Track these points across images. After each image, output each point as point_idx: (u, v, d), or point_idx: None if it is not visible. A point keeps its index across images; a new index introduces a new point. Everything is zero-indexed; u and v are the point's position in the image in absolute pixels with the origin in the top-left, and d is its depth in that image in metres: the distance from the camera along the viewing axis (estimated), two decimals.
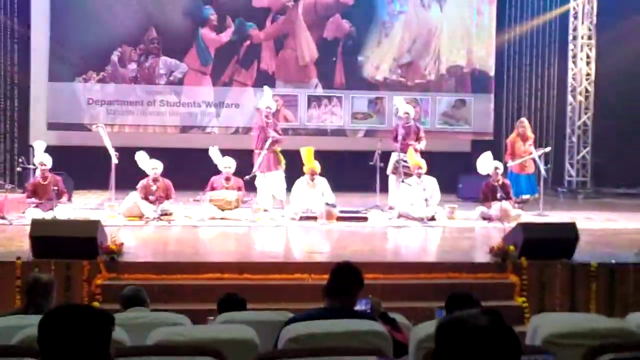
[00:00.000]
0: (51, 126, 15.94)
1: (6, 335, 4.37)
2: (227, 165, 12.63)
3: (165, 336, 4.09)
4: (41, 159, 12.06)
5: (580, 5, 17.31)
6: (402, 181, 12.74)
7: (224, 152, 13.01)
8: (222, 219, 12.10)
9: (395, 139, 13.54)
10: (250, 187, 12.83)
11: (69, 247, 8.54)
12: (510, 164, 13.88)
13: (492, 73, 16.97)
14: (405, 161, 13.09)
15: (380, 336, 4.27)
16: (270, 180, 12.94)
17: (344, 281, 4.86)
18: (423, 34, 16.88)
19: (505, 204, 12.29)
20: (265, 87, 13.96)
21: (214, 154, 12.80)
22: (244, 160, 13.11)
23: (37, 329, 2.77)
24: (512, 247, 8.89)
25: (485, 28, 16.93)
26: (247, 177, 12.62)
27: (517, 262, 8.77)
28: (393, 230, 11.83)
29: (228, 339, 4.13)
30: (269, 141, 12.91)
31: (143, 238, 10.81)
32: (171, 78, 16.28)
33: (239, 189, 12.55)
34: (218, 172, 12.73)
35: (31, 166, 12.97)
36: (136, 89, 16.22)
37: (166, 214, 11.99)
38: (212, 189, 12.52)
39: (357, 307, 4.80)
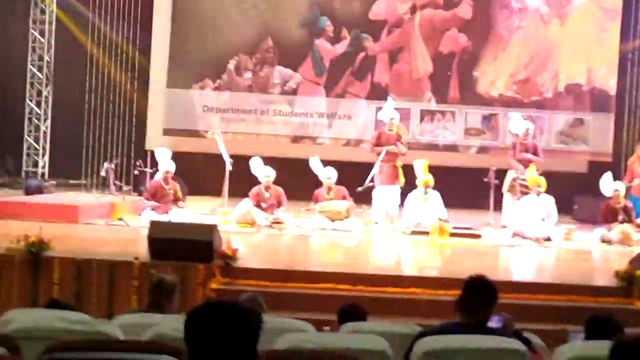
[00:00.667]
0: (167, 132, 16.22)
1: (134, 332, 4.37)
2: (327, 176, 12.55)
3: (294, 342, 4.01)
4: (167, 167, 12.29)
5: None
6: (519, 199, 12.43)
7: (334, 163, 12.94)
8: (332, 229, 12.03)
9: (513, 156, 13.25)
10: (362, 198, 12.70)
11: (186, 249, 8.59)
12: (626, 184, 13.37)
13: (613, 92, 16.43)
14: (522, 179, 12.77)
15: (518, 355, 4.09)
16: (386, 194, 12.76)
17: (478, 295, 4.67)
18: (541, 49, 16.51)
19: (627, 227, 11.86)
20: (389, 98, 13.84)
21: (315, 164, 12.74)
22: (355, 172, 13.01)
23: (185, 325, 2.72)
24: (639, 272, 8.52)
25: (608, 46, 16.41)
26: (359, 188, 12.51)
27: None
28: (507, 248, 11.54)
29: (361, 348, 4.02)
30: (383, 153, 12.77)
31: (254, 245, 10.84)
32: (285, 88, 16.37)
33: (343, 197, 12.43)
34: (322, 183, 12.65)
35: (148, 170, 13.20)
36: (250, 97, 16.37)
37: (277, 222, 12.01)
38: (316, 201, 12.46)
39: (489, 324, 4.61)
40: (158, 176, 12.46)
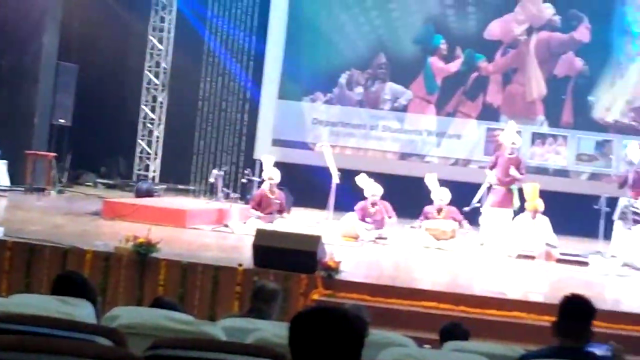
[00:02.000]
0: (276, 142, 16.42)
1: (236, 336, 4.41)
2: (440, 197, 12.48)
3: (397, 356, 3.98)
4: (270, 174, 12.42)
5: None
6: (630, 229, 12.06)
7: (442, 182, 12.86)
8: (437, 248, 11.94)
9: (624, 184, 12.88)
10: (469, 218, 12.56)
11: (289, 259, 8.66)
12: None
13: None
14: (634, 207, 12.40)
15: None
16: (497, 216, 12.57)
17: (575, 316, 4.50)
18: None
19: None
20: (510, 122, 13.59)
21: (431, 181, 12.67)
22: (462, 192, 12.88)
23: (290, 330, 2.72)
24: None
25: None
26: (466, 208, 12.38)
27: None
28: (616, 278, 11.20)
29: None
30: (489, 178, 12.61)
31: (357, 259, 10.82)
32: (395, 104, 16.37)
33: (454, 219, 12.35)
34: (432, 201, 12.60)
35: (256, 179, 13.38)
36: (360, 112, 16.44)
37: (381, 238, 12.01)
38: (425, 218, 12.42)
39: (597, 351, 4.47)
40: (264, 185, 12.60)
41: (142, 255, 8.80)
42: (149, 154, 17.28)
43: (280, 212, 12.37)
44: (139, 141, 17.27)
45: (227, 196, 13.20)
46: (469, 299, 8.53)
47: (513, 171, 12.52)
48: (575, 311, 4.49)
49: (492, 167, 12.83)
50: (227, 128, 16.81)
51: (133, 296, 8.68)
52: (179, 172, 16.92)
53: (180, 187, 16.72)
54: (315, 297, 8.47)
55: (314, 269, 8.67)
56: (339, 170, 13.34)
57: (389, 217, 12.29)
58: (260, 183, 13.10)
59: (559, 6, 16.16)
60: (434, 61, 16.30)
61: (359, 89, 16.43)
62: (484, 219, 12.57)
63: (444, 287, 9.18)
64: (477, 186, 12.79)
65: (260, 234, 9.23)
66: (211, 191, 15.10)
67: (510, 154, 12.75)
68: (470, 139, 16.19)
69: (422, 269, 10.83)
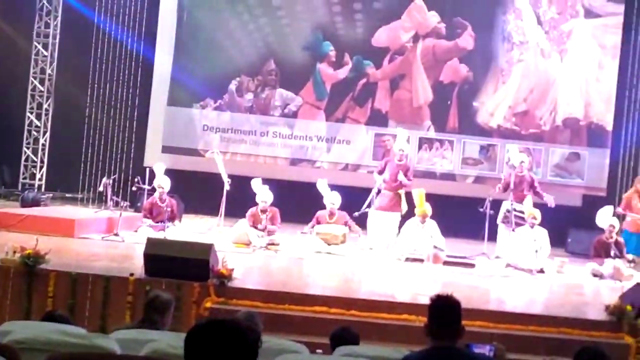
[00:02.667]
0: (166, 149, 16.32)
1: (131, 347, 4.42)
2: (332, 201, 12.65)
3: None
4: (160, 182, 12.34)
5: None
6: (513, 230, 12.50)
7: (332, 187, 13.03)
8: (327, 253, 12.10)
9: (507, 187, 13.34)
10: (359, 223, 12.75)
11: (181, 267, 8.66)
12: (624, 222, 13.43)
13: (609, 127, 16.58)
14: (517, 210, 12.86)
15: None
16: (385, 220, 12.86)
17: (443, 316, 4.60)
18: (541, 83, 16.66)
19: (618, 262, 11.94)
20: (400, 129, 13.93)
21: (322, 187, 12.83)
22: (352, 196, 13.09)
23: (185, 343, 2.77)
24: (629, 307, 8.59)
25: (606, 82, 16.59)
26: (356, 213, 12.59)
27: (634, 322, 8.46)
28: (500, 279, 11.59)
29: None
30: (378, 183, 12.89)
31: (250, 266, 10.86)
32: (286, 110, 16.49)
33: (345, 224, 12.53)
34: (324, 206, 12.75)
35: (146, 187, 13.27)
36: (251, 118, 16.50)
37: (273, 244, 12.08)
38: (317, 223, 12.56)
39: (480, 351, 4.65)
40: (155, 194, 12.53)
41: (30, 266, 8.65)
42: (34, 162, 16.91)
43: (171, 219, 12.31)
44: (25, 149, 16.89)
45: (116, 205, 13.05)
46: (359, 303, 8.70)
47: (401, 177, 12.83)
48: (443, 311, 4.64)
49: (380, 172, 13.12)
50: (116, 135, 16.60)
51: (21, 308, 8.53)
52: (66, 181, 16.62)
53: (68, 195, 16.42)
54: (208, 305, 8.49)
55: (206, 277, 8.68)
56: (231, 176, 13.38)
57: (276, 226, 12.36)
58: (151, 191, 13.01)
59: (444, 14, 16.59)
60: (323, 68, 16.50)
61: (249, 96, 16.49)
62: (372, 223, 12.82)
63: (334, 292, 9.32)
64: (367, 190, 13.01)
65: (151, 242, 9.19)
66: (100, 200, 14.90)
67: (399, 161, 13.06)
68: (359, 144, 16.46)
69: (313, 274, 10.94)
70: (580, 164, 16.63)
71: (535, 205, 13.00)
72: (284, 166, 16.55)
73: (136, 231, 12.12)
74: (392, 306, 8.71)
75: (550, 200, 13.07)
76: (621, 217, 13.52)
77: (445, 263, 11.94)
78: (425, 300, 9.26)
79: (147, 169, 13.78)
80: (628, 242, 12.95)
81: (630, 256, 13.02)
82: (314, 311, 8.55)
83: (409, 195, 12.84)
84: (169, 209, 12.08)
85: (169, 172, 13.02)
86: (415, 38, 16.55)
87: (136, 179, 13.41)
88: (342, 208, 12.80)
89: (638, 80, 16.82)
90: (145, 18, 16.55)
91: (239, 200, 12.93)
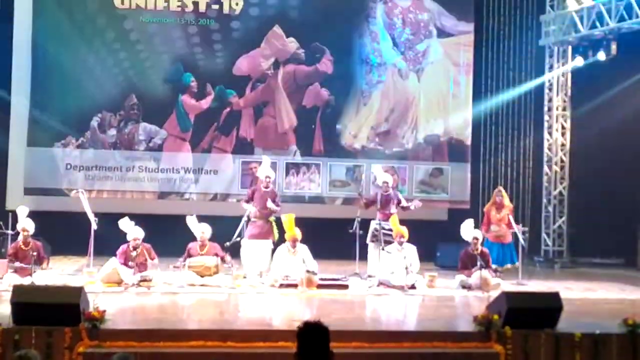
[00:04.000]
0: (28, 191, 15.88)
1: None
2: (201, 230, 12.59)
3: None
4: (23, 225, 12.00)
5: (555, 77, 17.65)
6: (382, 249, 12.75)
7: (203, 218, 12.97)
8: (201, 285, 12.03)
9: (371, 204, 13.66)
10: (232, 253, 12.74)
11: (51, 313, 8.43)
12: (485, 233, 13.92)
13: (468, 142, 17.18)
14: (385, 229, 13.14)
15: None
16: (257, 248, 12.91)
17: (312, 342, 4.75)
18: (401, 103, 17.11)
19: (485, 272, 12.35)
20: (264, 157, 14.06)
21: (192, 223, 12.76)
22: (223, 226, 13.07)
23: None
24: (496, 316, 8.89)
25: (462, 98, 17.21)
26: (227, 243, 12.57)
27: (501, 331, 8.77)
28: (373, 298, 11.80)
29: None
30: (248, 211, 12.95)
31: (123, 305, 10.69)
32: (150, 144, 16.33)
33: (216, 254, 12.49)
34: (195, 238, 12.67)
35: (9, 231, 12.87)
36: (115, 154, 16.26)
37: (145, 280, 11.91)
38: (189, 255, 12.48)
39: None
40: (19, 238, 12.15)
41: None
42: None
43: (38, 263, 11.96)
44: None
45: None
46: (235, 334, 8.67)
47: (270, 204, 12.93)
48: (311, 338, 4.77)
49: (247, 201, 13.19)
50: None
51: None
52: None
53: None
54: (82, 349, 8.30)
55: (77, 321, 8.49)
56: (99, 214, 13.14)
57: (152, 259, 12.23)
58: (15, 236, 12.62)
59: (302, 40, 16.82)
60: (186, 99, 16.44)
61: (112, 131, 16.25)
62: (245, 252, 12.85)
63: (210, 325, 9.29)
64: (237, 219, 13.04)
65: (18, 290, 8.92)
66: None
67: (265, 187, 13.15)
68: (227, 173, 16.48)
69: (188, 308, 10.87)
70: (444, 179, 17.15)
71: (403, 222, 13.32)
72: (152, 200, 16.38)
73: (1, 278, 11.73)
74: (268, 334, 8.73)
75: (416, 204, 13.50)
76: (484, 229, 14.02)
77: (319, 286, 12.07)
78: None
79: (10, 213, 13.37)
80: (491, 252, 13.43)
81: (494, 267, 13.51)
82: (190, 346, 8.48)
83: (279, 222, 12.93)
84: (34, 253, 11.75)
85: (33, 214, 12.67)
86: (276, 65, 16.72)
87: None
88: (214, 238, 12.75)
89: (492, 96, 17.51)
90: None
91: (109, 238, 12.70)
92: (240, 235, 12.75)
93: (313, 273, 12.20)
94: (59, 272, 12.90)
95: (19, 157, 16.05)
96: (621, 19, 15.45)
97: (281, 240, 12.92)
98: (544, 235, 17.60)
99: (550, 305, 9.19)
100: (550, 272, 16.07)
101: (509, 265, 13.99)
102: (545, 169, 17.73)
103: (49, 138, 16.03)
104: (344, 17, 16.92)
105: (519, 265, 13.93)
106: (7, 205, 15.54)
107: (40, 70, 15.99)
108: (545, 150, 17.73)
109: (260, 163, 15.27)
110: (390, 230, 13.05)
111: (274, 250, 12.81)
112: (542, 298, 9.68)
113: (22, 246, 11.94)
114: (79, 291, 8.86)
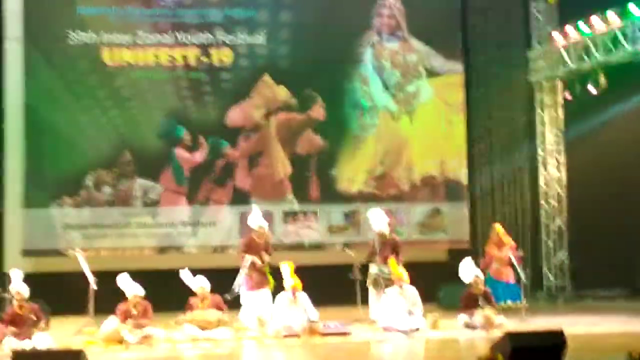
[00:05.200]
0: (26, 253, 15.82)
1: None
2: (201, 285, 12.52)
3: None
4: (18, 289, 11.89)
5: (547, 112, 17.71)
6: (384, 293, 12.67)
7: (202, 271, 12.89)
8: (204, 339, 11.93)
9: (373, 252, 13.61)
10: (232, 304, 12.66)
11: None
12: (486, 276, 13.83)
13: (465, 181, 17.21)
14: (385, 272, 13.09)
15: None
16: (256, 299, 12.85)
17: None
18: (394, 145, 17.18)
19: (488, 312, 12.27)
20: (254, 206, 14.01)
21: (186, 276, 12.68)
22: (223, 278, 13.00)
23: None
24: (500, 357, 8.79)
25: (456, 137, 17.29)
26: (227, 295, 12.50)
27: None
28: (377, 343, 11.70)
29: None
30: (247, 261, 12.91)
31: None
32: (146, 199, 16.32)
33: (218, 307, 12.40)
34: (195, 293, 12.58)
35: (7, 295, 12.76)
36: (112, 212, 16.23)
37: (147, 337, 11.80)
38: (190, 310, 12.37)
39: None
40: (14, 302, 12.02)
41: None
42: None
43: (36, 326, 11.82)
44: None
45: None
46: None
47: (265, 256, 12.92)
48: None
49: (245, 252, 13.14)
50: None
51: None
52: None
53: None
54: None
55: None
56: (97, 273, 13.07)
57: (148, 319, 12.09)
58: (12, 300, 12.48)
59: (293, 87, 16.93)
60: (180, 152, 16.48)
61: (108, 189, 16.24)
62: (245, 304, 12.78)
63: None
64: (236, 270, 12.98)
65: (18, 355, 8.82)
66: None
67: (259, 238, 13.15)
68: (224, 225, 16.47)
69: None
70: (442, 219, 17.15)
71: (402, 264, 13.28)
72: (151, 256, 16.32)
73: (1, 342, 11.61)
74: None
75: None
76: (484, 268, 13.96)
77: (322, 335, 11.97)
78: None
79: (7, 277, 13.27)
80: (494, 290, 13.35)
81: (501, 304, 13.45)
82: None
83: (277, 271, 12.87)
84: (32, 316, 11.64)
85: (32, 276, 12.56)
86: (268, 114, 16.80)
87: None
88: (215, 290, 12.67)
89: (485, 133, 17.57)
90: None
91: (109, 296, 12.60)
92: (240, 286, 12.65)
93: (315, 322, 12.11)
94: (59, 334, 12.76)
95: (16, 218, 16.01)
96: (609, 52, 15.55)
97: (278, 288, 12.85)
98: (545, 270, 17.53)
99: (554, 342, 9.09)
100: (554, 307, 15.98)
101: (518, 303, 13.86)
102: (543, 203, 17.71)
103: (44, 199, 16.01)
104: (333, 63, 17.05)
105: (524, 304, 13.80)
106: (5, 268, 15.44)
107: (34, 131, 16.03)
108: (542, 185, 17.73)
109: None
110: (390, 273, 12.98)
111: (273, 298, 12.74)
112: (545, 336, 9.55)
113: (18, 311, 11.81)
114: (78, 354, 8.75)
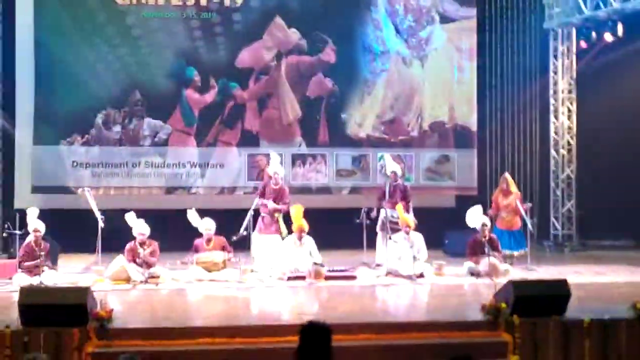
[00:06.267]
0: (36, 190, 15.91)
1: None
2: (207, 227, 12.58)
3: None
4: (35, 225, 11.99)
5: (560, 60, 17.55)
6: (389, 238, 12.73)
7: (210, 212, 12.97)
8: (210, 280, 12.04)
9: (382, 196, 13.64)
10: (239, 247, 12.73)
11: (59, 314, 8.44)
12: (493, 220, 13.87)
13: (474, 128, 17.15)
14: (393, 217, 13.13)
15: None
16: (266, 242, 12.91)
17: (314, 341, 4.87)
18: (405, 90, 17.06)
19: (493, 259, 12.33)
20: (272, 153, 14.00)
21: (192, 216, 12.75)
22: (230, 219, 13.07)
23: None
24: (504, 305, 8.86)
25: (467, 84, 17.17)
26: (234, 237, 12.56)
27: (509, 319, 8.74)
28: (382, 288, 11.79)
29: None
30: (255, 203, 12.95)
31: (131, 302, 10.72)
32: (156, 139, 16.32)
33: (223, 248, 12.48)
34: (201, 234, 12.66)
35: (17, 232, 12.87)
36: (121, 151, 16.26)
37: (153, 277, 11.92)
38: (196, 251, 12.47)
39: None
40: (29, 238, 12.13)
41: None
42: None
43: (47, 262, 11.96)
44: None
45: None
46: (244, 330, 8.67)
47: (271, 204, 12.94)
48: (313, 336, 4.82)
49: (260, 195, 13.18)
50: None
51: None
52: None
53: None
54: (90, 349, 8.30)
55: (85, 321, 8.50)
56: (105, 211, 13.16)
57: (154, 258, 12.19)
58: (23, 235, 12.60)
59: (304, 30, 16.78)
60: (189, 93, 16.42)
61: (117, 128, 16.24)
62: (254, 246, 12.85)
63: (219, 321, 9.26)
64: (244, 212, 13.02)
65: (25, 291, 8.94)
66: None
67: (275, 185, 13.17)
68: (233, 167, 16.47)
69: (196, 304, 10.88)
70: (450, 166, 17.12)
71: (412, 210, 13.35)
72: (159, 196, 16.38)
73: (10, 279, 11.76)
74: (277, 329, 8.71)
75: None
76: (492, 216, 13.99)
77: (327, 278, 12.06)
78: (310, 319, 9.38)
79: (17, 213, 13.37)
80: (500, 238, 13.38)
81: (507, 252, 13.50)
82: (199, 344, 8.48)
83: (287, 217, 12.93)
84: (43, 253, 11.76)
85: (41, 213, 12.65)
86: (278, 56, 16.68)
87: (6, 225, 13.02)
88: (222, 232, 12.75)
89: (496, 80, 17.44)
90: (2, 57, 16.09)
91: (117, 235, 12.71)
92: (247, 228, 12.72)
93: (320, 265, 12.20)
94: (67, 271, 12.90)
95: (26, 156, 16.05)
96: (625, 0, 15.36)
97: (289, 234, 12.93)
98: (552, 219, 17.53)
99: (558, 292, 9.15)
100: (560, 256, 16.01)
101: (522, 251, 13.91)
102: (553, 152, 17.65)
103: (54, 136, 16.03)
104: (345, 6, 16.88)
105: (528, 252, 13.86)
106: (15, 205, 15.54)
107: (44, 69, 15.98)
108: (552, 133, 17.65)
109: (266, 156, 15.33)
110: (397, 219, 13.03)
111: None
112: (549, 285, 9.61)
113: (34, 246, 11.92)
114: (85, 291, 8.86)
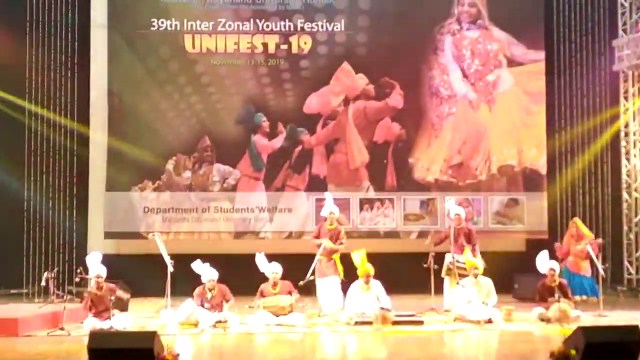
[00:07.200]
0: (108, 235, 16.23)
1: None
2: (274, 271, 12.65)
3: None
4: (97, 271, 12.21)
5: (631, 101, 17.32)
6: (457, 283, 12.62)
7: (278, 256, 13.05)
8: (277, 325, 12.06)
9: (444, 239, 13.59)
10: (305, 292, 12.76)
11: (127, 359, 8.55)
12: (563, 268, 13.65)
13: (543, 171, 16.97)
14: (459, 262, 13.03)
15: None
16: (327, 286, 12.94)
17: None
18: (472, 134, 17.01)
19: (564, 304, 12.10)
20: (327, 194, 14.12)
21: (261, 260, 12.84)
22: (298, 264, 13.13)
23: None
24: (573, 352, 8.68)
25: (535, 127, 17.04)
26: (301, 282, 12.62)
27: None
28: (450, 334, 11.65)
29: None
30: (321, 248, 13.03)
31: (199, 347, 10.80)
32: (225, 185, 16.55)
33: (289, 292, 12.52)
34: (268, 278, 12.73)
35: (89, 276, 13.10)
36: (191, 196, 16.51)
37: (221, 322, 12.01)
38: (262, 296, 12.53)
39: None
40: (92, 283, 12.35)
41: None
42: None
43: (115, 306, 12.12)
44: None
45: (60, 297, 12.86)
46: None
47: (328, 243, 12.97)
48: None
49: (316, 237, 13.30)
50: (57, 226, 16.45)
51: None
52: (10, 276, 16.33)
53: (12, 291, 16.15)
54: None
55: None
56: (175, 256, 13.31)
57: (227, 301, 12.31)
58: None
59: (372, 76, 16.90)
60: (258, 139, 16.64)
61: (187, 173, 16.53)
62: (319, 290, 12.87)
63: None
64: (312, 257, 13.10)
65: (94, 336, 9.08)
66: (45, 293, 14.69)
67: (330, 225, 13.23)
68: (300, 211, 16.58)
69: (264, 348, 10.90)
70: (520, 209, 16.93)
71: (480, 253, 13.22)
72: (228, 240, 16.55)
73: (82, 323, 11.96)
74: None
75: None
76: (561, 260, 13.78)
77: (394, 323, 11.98)
78: None
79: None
80: (571, 283, 13.15)
81: (578, 297, 13.25)
82: None
83: (346, 257, 12.94)
84: (112, 298, 11.93)
85: (113, 257, 12.93)
86: (346, 101, 16.83)
87: (78, 270, 13.27)
88: (290, 276, 12.80)
89: (566, 123, 17.27)
90: (77, 106, 16.57)
91: (186, 280, 12.85)
92: (313, 273, 12.75)
93: (387, 310, 12.13)
94: (137, 315, 13.07)
95: (99, 202, 16.43)
96: None
97: (348, 276, 12.91)
98: (626, 263, 17.17)
99: (630, 338, 8.92)
100: (635, 301, 15.63)
101: (594, 298, 13.63)
102: (625, 195, 17.34)
103: (126, 182, 16.38)
104: (412, 51, 16.95)
105: (600, 298, 13.57)
106: (88, 250, 15.82)
107: (116, 118, 16.41)
108: (624, 176, 17.36)
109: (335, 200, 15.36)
110: (464, 263, 12.92)
111: (346, 286, 12.79)
112: (621, 331, 9.38)
113: (97, 292, 12.12)
114: (152, 335, 8.95)
